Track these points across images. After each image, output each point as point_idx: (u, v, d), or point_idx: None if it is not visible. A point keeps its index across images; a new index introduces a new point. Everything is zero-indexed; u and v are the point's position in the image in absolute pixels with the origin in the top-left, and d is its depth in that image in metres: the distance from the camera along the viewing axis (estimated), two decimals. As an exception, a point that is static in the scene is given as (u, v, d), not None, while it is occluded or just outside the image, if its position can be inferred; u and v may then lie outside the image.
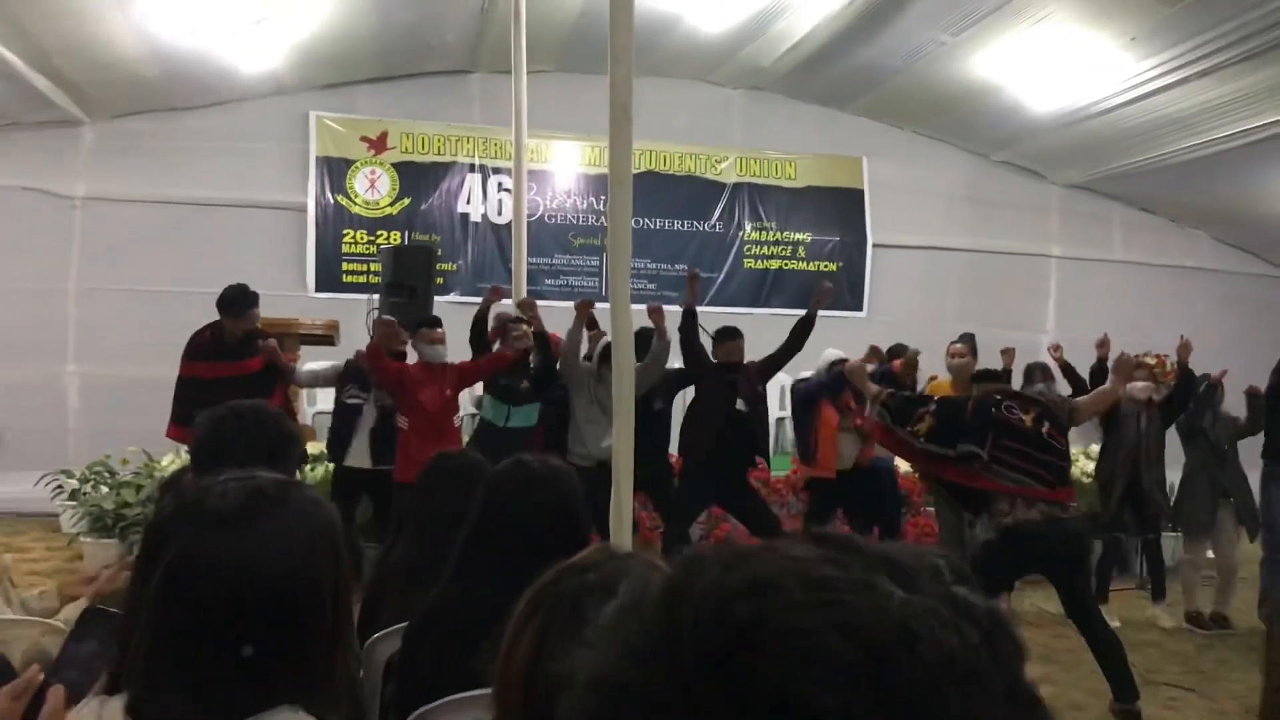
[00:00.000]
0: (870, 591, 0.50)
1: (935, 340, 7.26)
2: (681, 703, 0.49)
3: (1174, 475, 7.12)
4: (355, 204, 10.52)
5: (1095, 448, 7.36)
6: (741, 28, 9.51)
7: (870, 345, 7.11)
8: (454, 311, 8.86)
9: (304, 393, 8.06)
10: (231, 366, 6.26)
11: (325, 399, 7.99)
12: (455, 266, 10.71)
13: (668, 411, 6.72)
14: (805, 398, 6.83)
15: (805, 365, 7.11)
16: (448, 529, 2.39)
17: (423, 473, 3.07)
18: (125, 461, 7.61)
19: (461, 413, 6.91)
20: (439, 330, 6.37)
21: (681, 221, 11.41)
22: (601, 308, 5.58)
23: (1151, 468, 6.77)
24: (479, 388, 6.91)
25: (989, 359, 6.68)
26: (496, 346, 6.51)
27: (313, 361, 6.94)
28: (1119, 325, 11.29)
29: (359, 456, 6.40)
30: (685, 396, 6.77)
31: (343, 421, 6.52)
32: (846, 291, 11.71)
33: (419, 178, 10.72)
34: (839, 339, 7.04)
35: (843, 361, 6.48)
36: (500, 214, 10.75)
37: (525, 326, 6.46)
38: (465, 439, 7.24)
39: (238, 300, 6.36)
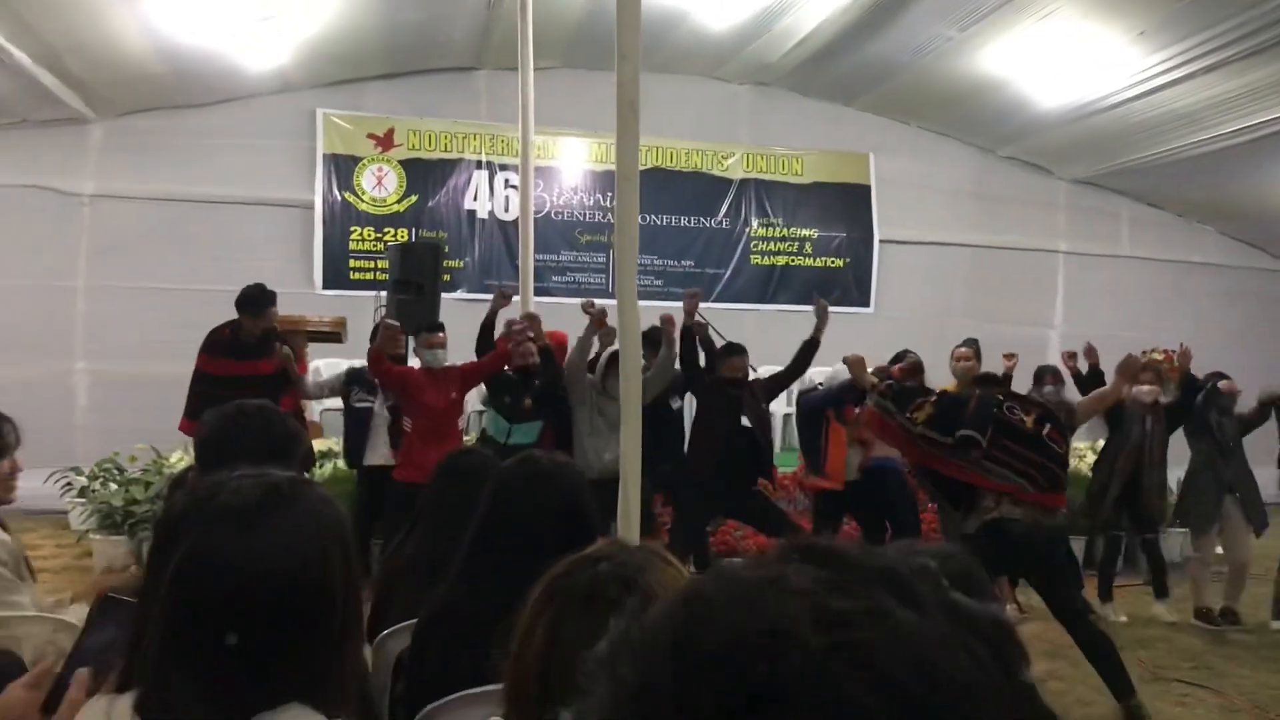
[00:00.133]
0: (883, 621, 0.49)
1: (942, 336, 7.26)
2: None
3: (1179, 471, 7.10)
4: (362, 201, 10.53)
5: (1102, 443, 7.33)
6: (748, 24, 9.50)
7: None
8: (461, 309, 8.89)
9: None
10: (247, 365, 6.34)
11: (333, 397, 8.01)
12: (462, 263, 10.71)
13: (683, 411, 6.72)
14: (811, 411, 6.82)
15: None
16: (460, 527, 2.39)
17: (436, 471, 3.07)
18: (134, 458, 7.63)
19: (469, 410, 6.93)
20: (440, 335, 6.38)
21: (688, 218, 11.41)
22: (608, 304, 5.58)
23: (1153, 470, 6.75)
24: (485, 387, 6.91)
25: (994, 357, 6.69)
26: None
27: (319, 361, 6.96)
28: (1126, 320, 11.33)
29: (381, 455, 6.45)
30: (693, 403, 6.77)
31: (356, 425, 6.58)
32: (853, 287, 11.71)
33: (426, 175, 10.73)
34: (846, 335, 7.03)
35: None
36: (507, 211, 10.75)
37: (531, 343, 6.43)
38: (473, 437, 7.26)
39: (257, 299, 6.44)
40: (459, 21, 9.50)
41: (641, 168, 4.56)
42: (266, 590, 1.20)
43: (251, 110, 10.17)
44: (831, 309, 6.72)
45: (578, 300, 6.97)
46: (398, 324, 6.44)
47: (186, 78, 9.30)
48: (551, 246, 10.84)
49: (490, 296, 6.97)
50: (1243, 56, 8.19)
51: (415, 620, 2.35)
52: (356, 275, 10.42)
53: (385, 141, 10.60)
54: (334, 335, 7.81)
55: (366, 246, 10.49)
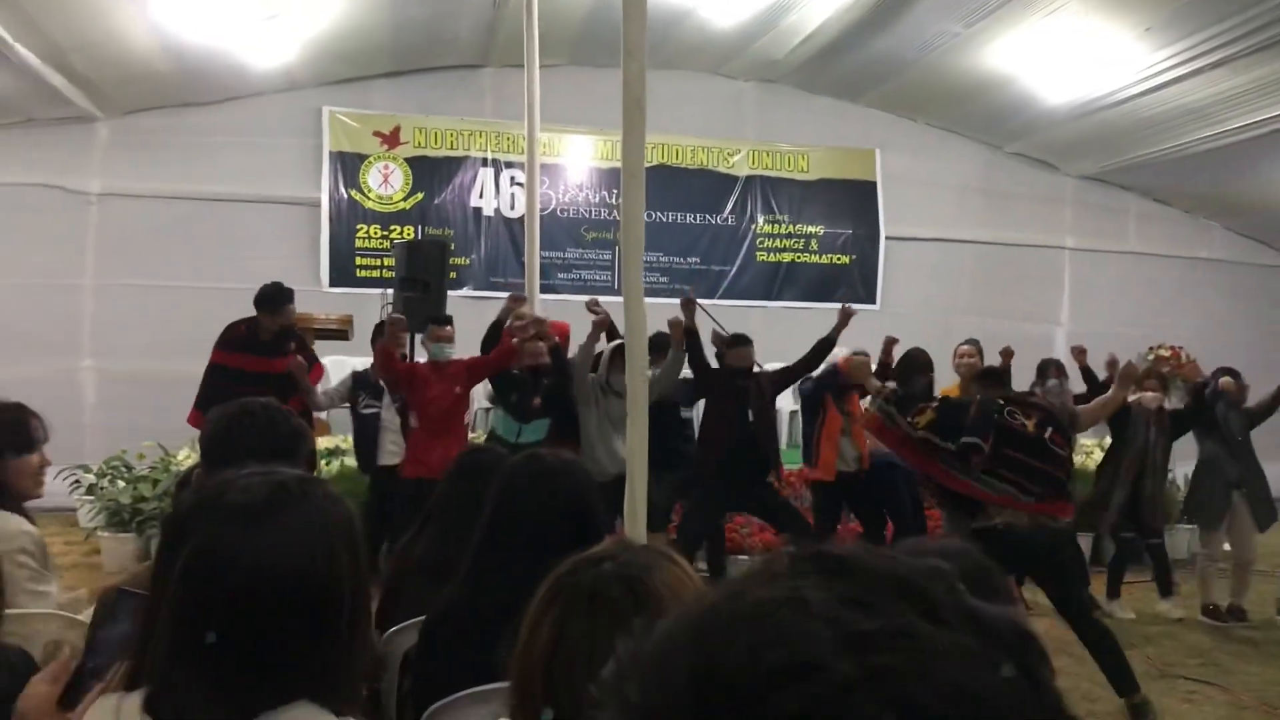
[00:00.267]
0: (909, 643, 0.47)
1: (948, 333, 7.27)
2: None
3: (1186, 467, 7.08)
4: (369, 199, 10.54)
5: (1109, 440, 7.31)
6: (754, 20, 9.49)
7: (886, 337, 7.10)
8: (467, 306, 8.90)
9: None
10: (262, 362, 6.38)
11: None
12: (468, 261, 10.72)
13: (694, 421, 6.74)
14: (810, 398, 6.83)
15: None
16: (470, 525, 2.40)
17: (448, 469, 3.08)
18: (141, 456, 7.66)
19: (475, 407, 6.93)
20: (447, 328, 6.40)
21: (694, 215, 11.40)
22: (614, 302, 5.58)
23: (1155, 476, 6.73)
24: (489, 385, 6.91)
25: (995, 355, 6.69)
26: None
27: (325, 359, 6.98)
28: (1132, 316, 11.31)
29: (394, 456, 6.46)
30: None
31: (364, 432, 6.61)
32: (859, 284, 11.70)
33: (432, 172, 10.74)
34: (851, 332, 7.00)
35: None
36: (513, 208, 10.75)
37: (542, 344, 6.44)
38: (480, 433, 7.27)
39: (275, 297, 6.51)
40: (465, 19, 9.51)
41: (647, 165, 4.56)
42: (275, 588, 1.21)
43: (258, 108, 10.19)
44: (838, 307, 6.72)
45: (583, 298, 6.98)
46: (403, 318, 6.46)
47: (193, 76, 9.31)
48: (557, 244, 10.84)
49: (496, 294, 6.98)
50: (1249, 52, 8.17)
51: (422, 618, 2.36)
52: (363, 273, 10.44)
53: (391, 139, 10.61)
54: (340, 333, 7.83)
55: (373, 244, 10.51)
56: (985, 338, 7.14)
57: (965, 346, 7.01)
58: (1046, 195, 12.29)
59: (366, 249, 10.51)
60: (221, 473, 1.34)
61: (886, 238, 11.85)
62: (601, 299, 6.66)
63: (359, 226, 10.51)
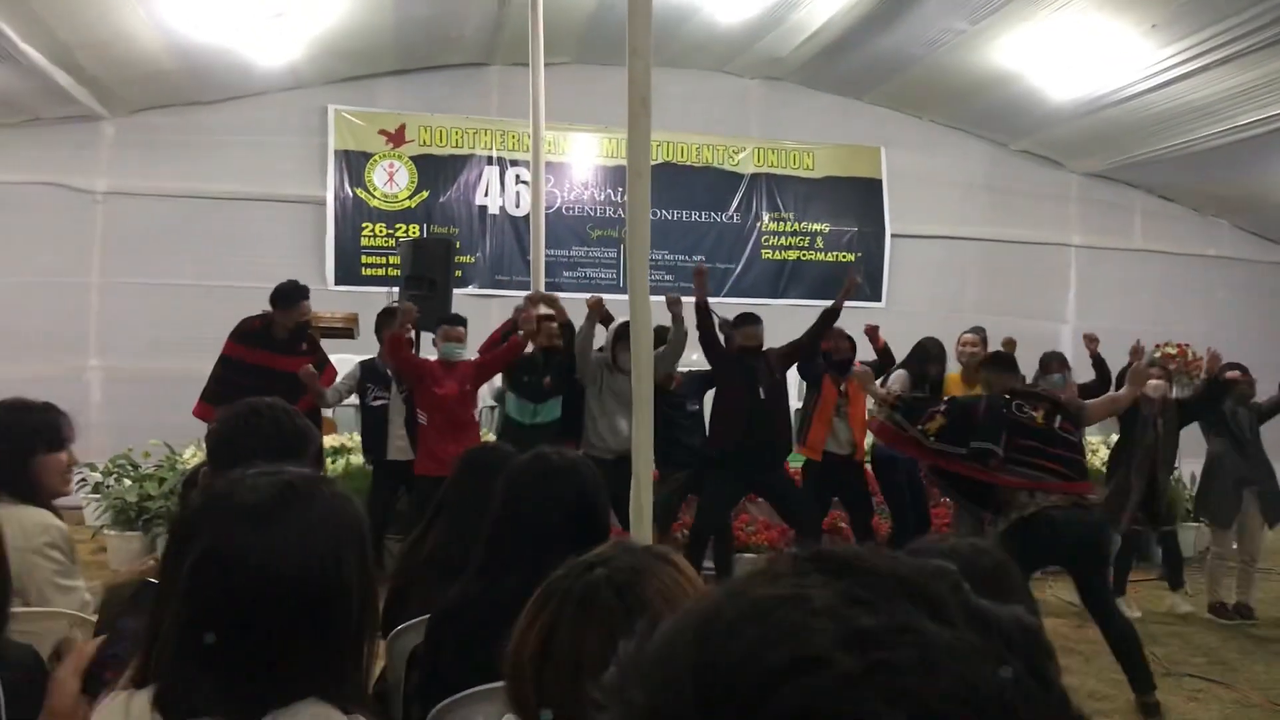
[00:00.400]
0: (913, 639, 0.47)
1: (953, 330, 7.26)
2: None
3: (1195, 465, 7.06)
4: (374, 197, 10.55)
5: (1115, 437, 7.29)
6: (759, 18, 9.48)
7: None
8: (473, 304, 8.90)
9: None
10: (274, 359, 6.38)
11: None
12: (474, 259, 10.72)
13: (701, 411, 6.75)
14: (810, 375, 6.86)
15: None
16: (478, 523, 2.40)
17: (456, 466, 3.09)
18: (147, 455, 7.68)
19: (481, 405, 6.94)
20: (460, 329, 6.42)
21: (699, 213, 11.39)
22: (620, 300, 5.58)
23: (1164, 469, 6.74)
24: (498, 380, 6.93)
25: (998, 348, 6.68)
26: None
27: (331, 356, 6.98)
28: (1138, 314, 11.27)
29: (400, 450, 6.48)
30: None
31: (372, 423, 6.63)
32: (865, 282, 11.67)
33: (437, 171, 10.74)
34: (857, 330, 7.02)
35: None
36: (518, 206, 10.75)
37: (553, 323, 6.46)
38: (486, 432, 7.29)
39: (290, 294, 6.51)
40: (470, 17, 9.51)
41: (652, 162, 4.56)
42: (283, 587, 1.21)
43: (263, 107, 10.20)
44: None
45: (589, 295, 6.99)
46: (413, 306, 6.46)
47: (199, 75, 9.33)
48: (563, 242, 10.83)
49: (501, 293, 6.99)
50: (1256, 49, 8.14)
51: (429, 615, 2.36)
52: (368, 271, 10.44)
53: (397, 138, 10.61)
54: (346, 331, 7.83)
55: (378, 242, 10.51)
56: (990, 335, 7.12)
57: (969, 335, 6.98)
58: (1052, 192, 12.27)
59: (372, 247, 10.51)
60: (229, 473, 1.35)
61: (892, 235, 11.83)
62: (606, 297, 6.66)
63: (364, 225, 10.52)
